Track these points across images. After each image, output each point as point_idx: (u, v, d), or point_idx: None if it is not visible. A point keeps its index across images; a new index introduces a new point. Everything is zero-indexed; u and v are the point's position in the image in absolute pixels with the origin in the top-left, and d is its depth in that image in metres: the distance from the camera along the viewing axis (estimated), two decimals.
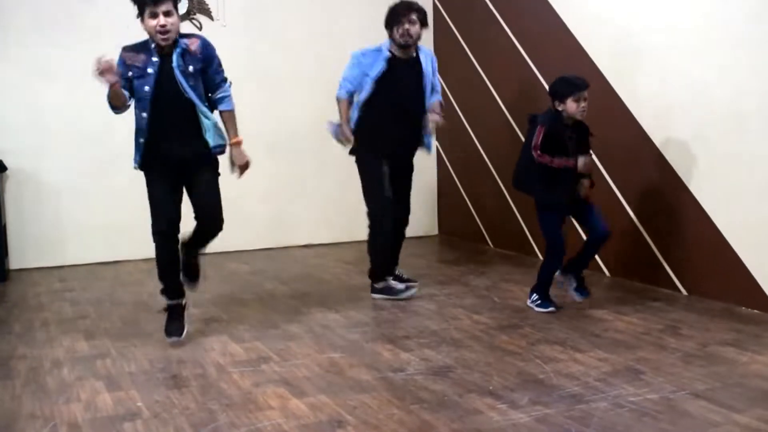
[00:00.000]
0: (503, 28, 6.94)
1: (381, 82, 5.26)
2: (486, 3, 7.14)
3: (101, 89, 5.17)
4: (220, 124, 4.52)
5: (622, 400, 3.44)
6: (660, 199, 5.50)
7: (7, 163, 6.58)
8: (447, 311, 5.08)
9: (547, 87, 6.39)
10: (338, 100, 5.48)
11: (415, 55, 5.38)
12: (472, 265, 6.49)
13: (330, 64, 7.46)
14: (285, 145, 7.46)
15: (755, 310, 4.85)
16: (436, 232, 8.08)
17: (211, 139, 4.41)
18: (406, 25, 5.19)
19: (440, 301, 5.35)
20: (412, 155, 5.58)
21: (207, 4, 7.24)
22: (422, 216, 7.97)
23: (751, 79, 4.77)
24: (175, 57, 4.29)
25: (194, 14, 7.22)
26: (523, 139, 6.76)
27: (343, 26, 7.74)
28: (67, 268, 6.69)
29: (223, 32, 7.01)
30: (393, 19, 5.25)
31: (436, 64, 5.56)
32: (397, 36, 5.24)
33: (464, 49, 7.56)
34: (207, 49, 4.43)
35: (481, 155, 7.42)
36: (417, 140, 5.49)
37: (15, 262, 6.75)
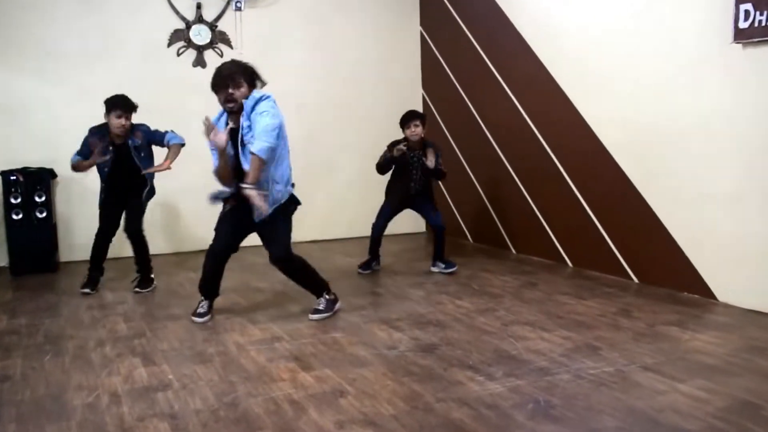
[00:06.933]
0: (479, 53, 6.94)
1: None
2: (466, 34, 7.14)
3: None
4: None
5: (583, 372, 3.44)
6: (614, 200, 5.49)
7: (57, 171, 6.58)
8: (433, 297, 5.07)
9: (520, 108, 6.45)
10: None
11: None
12: (454, 257, 6.46)
13: (335, 83, 7.50)
14: (296, 155, 7.45)
15: (695, 295, 4.85)
16: (423, 229, 8.07)
17: None
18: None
19: (428, 289, 5.34)
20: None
21: (227, 35, 7.24)
22: (411, 215, 7.97)
23: (692, 99, 4.78)
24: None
25: (216, 44, 7.20)
26: (498, 150, 6.81)
27: (349, 52, 7.76)
28: (108, 261, 6.64)
29: (241, 59, 7.01)
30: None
31: (255, 107, 4.25)
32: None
33: (449, 75, 7.57)
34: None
35: (464, 165, 7.41)
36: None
37: (64, 255, 6.73)
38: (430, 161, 5.67)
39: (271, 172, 4.28)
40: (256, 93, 4.30)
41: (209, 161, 4.34)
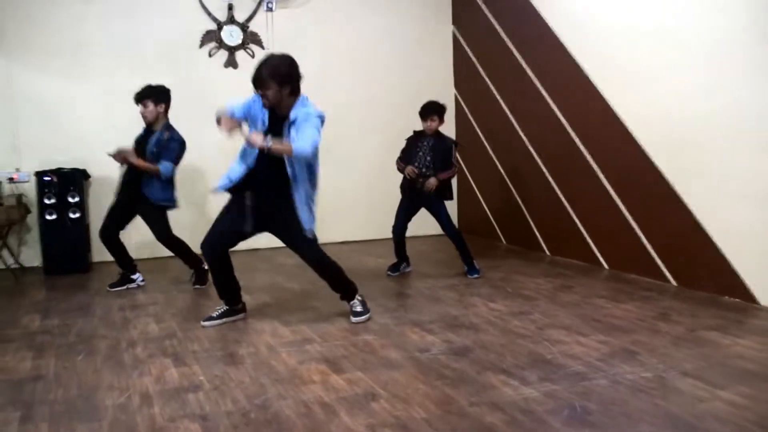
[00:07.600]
0: (512, 51, 6.89)
1: None
2: (499, 33, 7.10)
3: None
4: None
5: (620, 377, 3.38)
6: (651, 201, 5.41)
7: (90, 171, 6.67)
8: (466, 299, 5.04)
9: (554, 107, 6.38)
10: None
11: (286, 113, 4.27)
12: (487, 259, 6.43)
13: (367, 83, 7.49)
14: (326, 154, 7.46)
15: (736, 299, 4.76)
16: None
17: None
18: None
19: (460, 291, 5.30)
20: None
21: (258, 35, 7.27)
22: None
23: (732, 98, 4.68)
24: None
25: (248, 44, 7.24)
26: (532, 150, 6.75)
27: (380, 51, 7.75)
28: (140, 261, 6.72)
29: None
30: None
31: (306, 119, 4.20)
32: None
33: (480, 72, 7.52)
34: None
35: (496, 166, 7.37)
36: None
37: (96, 255, 6.81)
38: (431, 183, 5.71)
39: (310, 192, 4.37)
40: (312, 107, 4.27)
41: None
